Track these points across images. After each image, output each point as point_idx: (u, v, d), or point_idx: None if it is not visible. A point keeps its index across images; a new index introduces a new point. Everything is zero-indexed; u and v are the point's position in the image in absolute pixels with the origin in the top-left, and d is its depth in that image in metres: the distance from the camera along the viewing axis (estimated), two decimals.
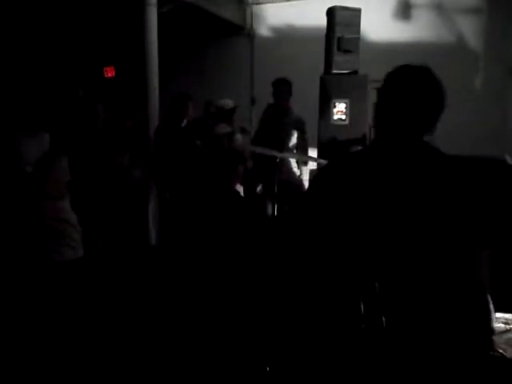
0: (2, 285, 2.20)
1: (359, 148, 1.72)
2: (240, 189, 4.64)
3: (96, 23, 6.81)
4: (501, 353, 2.93)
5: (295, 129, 4.53)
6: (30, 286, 2.21)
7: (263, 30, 7.50)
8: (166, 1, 5.64)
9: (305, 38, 6.62)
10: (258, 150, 4.05)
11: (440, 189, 1.44)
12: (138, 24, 5.26)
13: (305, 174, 4.61)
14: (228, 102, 4.76)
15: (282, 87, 4.53)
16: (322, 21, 4.45)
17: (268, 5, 7.36)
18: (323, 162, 3.33)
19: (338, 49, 4.29)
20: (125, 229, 3.73)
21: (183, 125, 4.52)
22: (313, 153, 4.63)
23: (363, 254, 1.50)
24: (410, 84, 1.53)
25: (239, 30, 7.47)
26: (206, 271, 3.98)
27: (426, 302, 1.44)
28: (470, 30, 6.17)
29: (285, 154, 4.04)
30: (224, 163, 4.32)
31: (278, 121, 4.56)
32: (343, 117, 4.36)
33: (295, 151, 4.56)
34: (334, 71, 4.35)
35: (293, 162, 4.55)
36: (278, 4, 7.24)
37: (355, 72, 4.39)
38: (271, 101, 4.69)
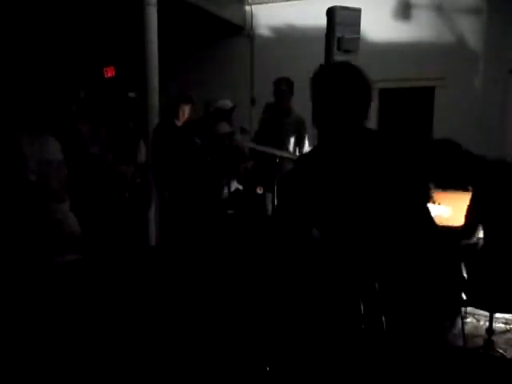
0: (3, 286, 2.19)
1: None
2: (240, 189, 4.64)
3: (96, 23, 6.81)
4: (501, 353, 2.93)
5: (296, 129, 4.53)
6: (31, 287, 2.21)
7: (263, 30, 7.50)
8: (166, 1, 5.63)
9: (305, 38, 6.62)
10: (258, 147, 4.05)
11: (384, 161, 1.61)
12: (138, 24, 5.26)
13: None
14: (227, 103, 4.76)
15: (284, 87, 4.52)
16: (322, 21, 4.45)
17: (268, 5, 7.36)
18: None
19: (338, 49, 4.29)
20: (125, 229, 3.73)
21: (178, 124, 4.50)
22: None
23: (339, 238, 1.61)
24: (336, 79, 1.69)
25: (239, 30, 7.47)
26: (207, 271, 3.98)
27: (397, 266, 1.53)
28: (469, 29, 6.17)
29: (284, 153, 4.04)
30: (225, 162, 4.32)
31: (278, 121, 4.56)
32: None
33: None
34: None
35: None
36: (277, 4, 7.23)
37: None
38: (271, 101, 4.68)
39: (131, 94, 4.31)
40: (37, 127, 2.27)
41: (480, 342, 3.04)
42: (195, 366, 2.78)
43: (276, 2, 7.25)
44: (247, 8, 7.46)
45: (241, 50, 7.56)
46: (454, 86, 6.20)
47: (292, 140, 4.55)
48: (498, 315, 3.11)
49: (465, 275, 2.68)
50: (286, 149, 4.39)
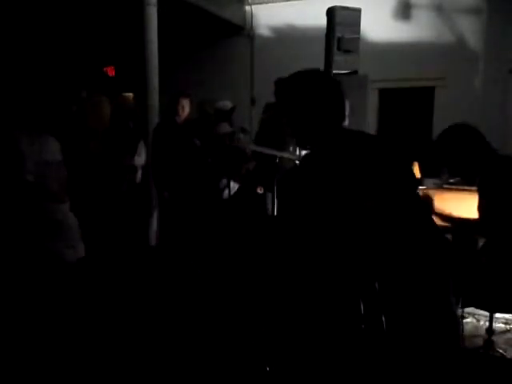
0: (5, 287, 2.20)
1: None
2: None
3: (96, 23, 6.81)
4: (501, 353, 2.93)
5: None
6: (31, 288, 2.21)
7: (263, 30, 7.50)
8: (166, 1, 5.63)
9: (305, 38, 6.62)
10: (258, 148, 4.05)
11: (373, 161, 1.63)
12: (137, 24, 5.26)
13: None
14: (226, 103, 4.77)
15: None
16: (322, 21, 4.44)
17: (268, 5, 7.35)
18: None
19: (338, 49, 4.29)
20: (124, 229, 3.73)
21: (179, 121, 4.50)
22: None
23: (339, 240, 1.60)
24: (303, 85, 1.85)
25: (239, 30, 7.47)
26: (207, 271, 3.98)
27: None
28: (469, 29, 6.17)
29: (285, 154, 4.04)
30: (227, 162, 4.32)
31: (279, 121, 4.56)
32: None
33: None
34: (334, 71, 4.34)
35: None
36: (277, 4, 7.23)
37: (355, 72, 4.39)
38: (271, 101, 4.68)
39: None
40: (37, 127, 2.27)
41: (480, 342, 3.04)
42: (195, 365, 2.78)
43: (276, 1, 7.25)
44: (247, 8, 7.46)
45: (241, 50, 7.56)
46: (454, 86, 6.20)
47: (293, 140, 4.55)
48: (497, 315, 3.11)
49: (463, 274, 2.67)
50: (287, 149, 4.39)
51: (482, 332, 3.12)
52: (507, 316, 3.34)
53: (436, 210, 2.56)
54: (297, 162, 4.52)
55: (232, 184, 4.40)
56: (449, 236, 2.76)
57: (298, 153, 4.63)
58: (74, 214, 2.45)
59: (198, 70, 7.60)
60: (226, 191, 4.26)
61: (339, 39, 4.26)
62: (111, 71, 7.26)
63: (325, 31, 4.39)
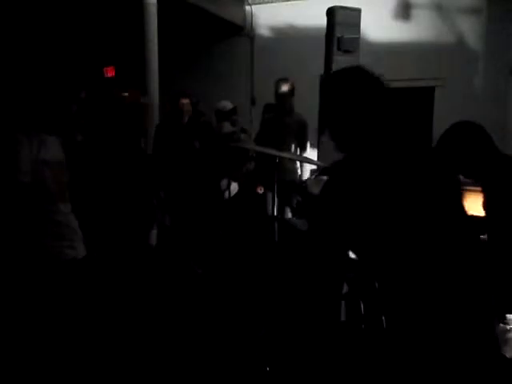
0: (5, 287, 2.19)
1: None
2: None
3: (96, 23, 6.81)
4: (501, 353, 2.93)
5: (297, 129, 4.54)
6: (31, 289, 2.21)
7: (263, 30, 7.50)
8: (166, 1, 5.63)
9: (305, 38, 6.63)
10: (259, 148, 4.05)
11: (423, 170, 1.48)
12: (138, 24, 5.26)
13: (306, 173, 4.61)
14: (227, 104, 4.77)
15: (285, 87, 4.52)
16: (322, 21, 4.45)
17: (268, 5, 7.36)
18: (322, 164, 3.33)
19: (338, 49, 4.29)
20: (125, 229, 3.73)
21: (183, 122, 4.50)
22: (313, 153, 4.64)
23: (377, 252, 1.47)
24: (346, 84, 1.57)
25: (239, 30, 7.48)
26: (207, 271, 3.98)
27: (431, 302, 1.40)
28: (470, 30, 6.17)
29: (285, 154, 4.04)
30: (228, 162, 4.32)
31: (279, 121, 4.57)
32: None
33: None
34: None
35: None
36: (277, 4, 7.24)
37: None
38: (271, 101, 4.69)
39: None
40: (35, 127, 2.26)
41: None
42: (195, 365, 2.78)
43: (276, 1, 7.26)
44: (247, 8, 7.47)
45: (241, 50, 7.57)
46: (454, 86, 6.20)
47: (293, 140, 4.55)
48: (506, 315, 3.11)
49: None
50: (288, 149, 4.39)
51: None
52: (507, 316, 3.34)
53: None
54: (297, 162, 4.55)
55: (232, 185, 4.41)
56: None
57: (298, 153, 4.64)
58: (75, 214, 2.45)
59: (197, 70, 7.61)
60: (227, 192, 4.26)
61: (339, 39, 4.26)
62: (111, 71, 7.26)
63: (325, 31, 4.40)
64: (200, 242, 4.23)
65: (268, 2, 7.36)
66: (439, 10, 6.32)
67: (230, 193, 4.26)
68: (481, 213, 2.40)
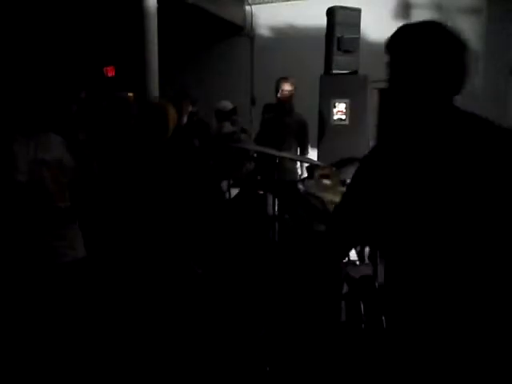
0: (5, 288, 2.19)
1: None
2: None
3: (96, 23, 6.81)
4: None
5: (298, 129, 4.54)
6: (31, 290, 2.21)
7: (263, 30, 7.50)
8: (166, 1, 5.63)
9: (305, 38, 6.63)
10: (259, 149, 4.05)
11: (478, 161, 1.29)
12: (137, 24, 5.26)
13: (306, 173, 4.62)
14: (227, 104, 4.78)
15: (285, 86, 4.53)
16: (322, 21, 4.45)
17: (268, 5, 7.36)
18: (322, 164, 3.33)
19: (338, 49, 4.29)
20: (125, 229, 3.73)
21: (181, 124, 4.50)
22: (313, 153, 4.63)
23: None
24: (425, 39, 1.39)
25: (239, 30, 7.48)
26: (207, 271, 3.98)
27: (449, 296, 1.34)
28: (470, 30, 6.16)
29: (285, 154, 4.04)
30: (229, 162, 4.33)
31: (280, 121, 4.57)
32: (343, 117, 4.37)
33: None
34: (334, 71, 4.35)
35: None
36: (277, 4, 7.24)
37: (355, 72, 4.39)
38: (271, 101, 4.69)
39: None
40: (34, 126, 2.26)
41: None
42: (196, 365, 2.78)
43: (276, 1, 7.26)
44: (247, 8, 7.47)
45: (241, 50, 7.57)
46: None
47: (293, 140, 4.55)
48: None
49: None
50: (288, 149, 4.39)
51: None
52: None
53: None
54: (297, 162, 4.54)
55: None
56: None
57: (298, 153, 4.64)
58: (75, 214, 2.45)
59: (197, 70, 7.61)
60: (227, 193, 4.27)
61: (339, 39, 4.26)
62: (111, 71, 7.26)
63: (325, 31, 4.40)
64: (200, 242, 4.23)
65: (268, 2, 7.36)
66: (439, 10, 6.31)
67: (229, 194, 4.27)
68: None
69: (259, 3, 7.41)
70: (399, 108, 1.44)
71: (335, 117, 4.36)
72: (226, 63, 7.61)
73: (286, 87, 4.46)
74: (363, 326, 2.68)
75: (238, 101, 5.32)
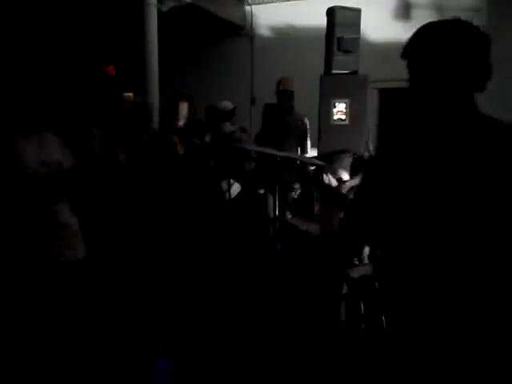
0: (5, 288, 2.19)
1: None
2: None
3: (96, 23, 6.81)
4: None
5: (298, 129, 4.54)
6: (32, 289, 2.21)
7: (263, 30, 7.50)
8: (166, 1, 5.64)
9: (305, 38, 6.63)
10: (259, 149, 4.05)
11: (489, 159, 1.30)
12: (138, 24, 5.26)
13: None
14: (227, 104, 4.78)
15: (286, 86, 4.53)
16: (321, 21, 4.45)
17: (268, 5, 7.36)
18: (322, 164, 3.33)
19: (338, 49, 4.29)
20: (125, 229, 3.73)
21: (180, 124, 4.50)
22: (313, 153, 4.64)
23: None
24: (446, 34, 1.39)
25: (239, 30, 7.48)
26: (207, 271, 3.98)
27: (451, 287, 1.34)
28: None
29: (282, 153, 4.04)
30: (230, 162, 4.33)
31: (280, 120, 4.57)
32: (343, 117, 4.36)
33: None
34: (334, 71, 4.35)
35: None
36: (277, 4, 7.24)
37: (355, 72, 4.39)
38: (271, 101, 4.69)
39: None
40: (35, 127, 2.26)
41: None
42: (195, 365, 2.78)
43: (276, 1, 7.26)
44: (247, 8, 7.47)
45: (241, 50, 7.57)
46: None
47: (294, 140, 4.56)
48: None
49: None
50: (289, 149, 4.39)
51: None
52: None
53: None
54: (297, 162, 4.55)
55: (235, 186, 4.41)
56: None
57: (298, 153, 4.64)
58: (75, 214, 2.45)
59: (197, 70, 7.61)
60: (227, 193, 4.26)
61: (339, 39, 4.26)
62: (111, 71, 7.26)
63: (325, 31, 4.40)
64: (200, 242, 4.23)
65: (268, 2, 7.36)
66: (439, 10, 6.31)
67: (230, 194, 4.26)
68: None
69: (259, 3, 7.41)
70: (418, 104, 1.45)
71: (335, 117, 4.36)
72: (226, 63, 7.61)
73: (287, 87, 4.46)
74: (363, 325, 2.68)
75: (238, 101, 5.30)
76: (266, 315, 3.05)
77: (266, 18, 7.40)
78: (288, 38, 7.08)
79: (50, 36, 6.40)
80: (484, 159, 1.30)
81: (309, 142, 4.67)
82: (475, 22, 1.42)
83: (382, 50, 6.07)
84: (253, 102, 7.34)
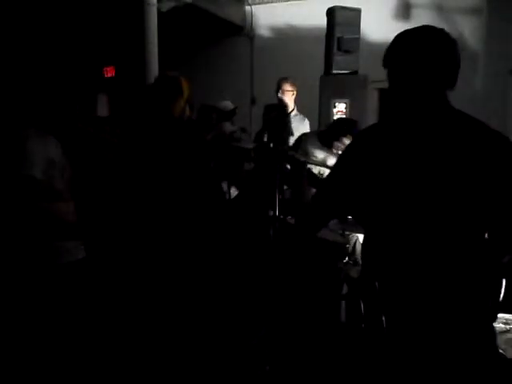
0: (5, 288, 2.19)
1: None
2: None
3: (96, 23, 6.81)
4: (501, 353, 2.93)
5: (298, 129, 4.54)
6: (33, 289, 2.21)
7: (263, 30, 7.50)
8: (166, 1, 5.64)
9: (305, 38, 6.63)
10: (259, 148, 4.05)
11: (462, 153, 1.40)
12: (138, 24, 5.26)
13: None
14: (228, 104, 4.78)
15: (286, 86, 4.53)
16: (322, 21, 4.45)
17: (268, 5, 7.36)
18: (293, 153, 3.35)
19: (338, 49, 4.30)
20: (126, 229, 3.73)
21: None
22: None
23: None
24: (417, 41, 1.56)
25: (239, 30, 7.48)
26: (207, 271, 3.98)
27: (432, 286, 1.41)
28: (469, 29, 6.17)
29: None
30: (230, 162, 4.33)
31: (280, 120, 4.56)
32: (343, 117, 4.37)
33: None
34: (334, 71, 4.35)
35: None
36: (277, 4, 7.24)
37: (355, 72, 4.40)
38: (271, 101, 4.69)
39: None
40: (41, 126, 2.26)
41: None
42: (195, 365, 2.78)
43: (276, 1, 7.26)
44: (247, 8, 7.47)
45: (241, 50, 7.57)
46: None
47: (294, 139, 4.55)
48: (498, 315, 3.11)
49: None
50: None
51: None
52: (507, 316, 3.35)
53: None
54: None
55: (232, 189, 4.40)
56: None
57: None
58: (77, 214, 2.45)
59: (198, 70, 7.61)
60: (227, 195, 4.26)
61: (339, 39, 4.27)
62: (111, 71, 7.26)
63: (325, 31, 4.40)
64: (200, 242, 4.23)
65: (268, 2, 7.36)
66: (439, 10, 6.31)
67: (229, 195, 4.26)
68: None
69: (259, 3, 7.41)
70: (397, 102, 1.59)
71: (335, 117, 4.36)
72: (226, 63, 7.60)
73: (287, 87, 4.46)
74: (363, 325, 2.68)
75: (238, 101, 5.30)
76: (265, 315, 3.05)
77: (265, 18, 7.40)
78: (288, 38, 7.08)
79: (49, 36, 6.40)
80: (455, 148, 1.41)
81: None
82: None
83: (381, 50, 6.03)
84: (253, 101, 7.34)
